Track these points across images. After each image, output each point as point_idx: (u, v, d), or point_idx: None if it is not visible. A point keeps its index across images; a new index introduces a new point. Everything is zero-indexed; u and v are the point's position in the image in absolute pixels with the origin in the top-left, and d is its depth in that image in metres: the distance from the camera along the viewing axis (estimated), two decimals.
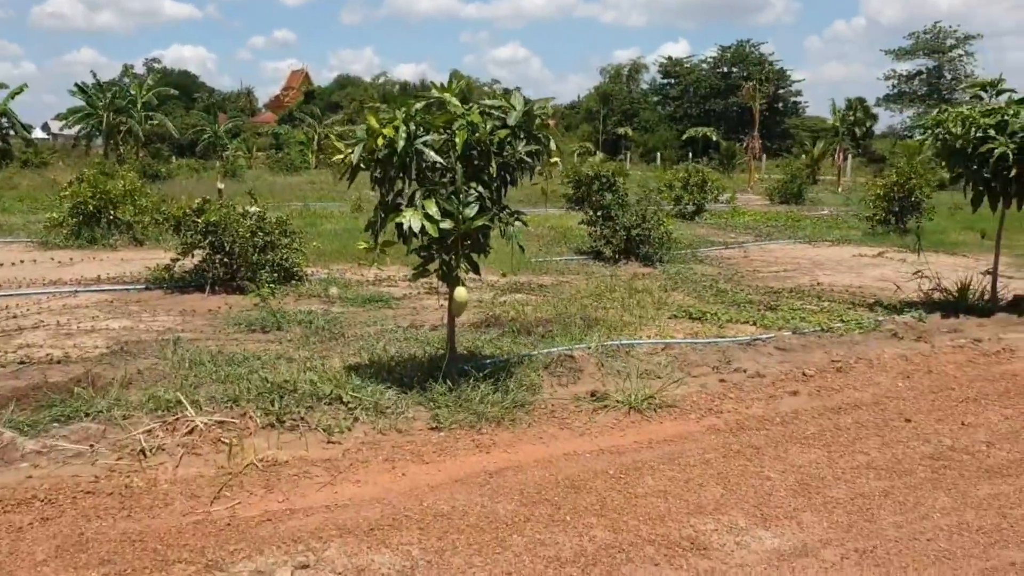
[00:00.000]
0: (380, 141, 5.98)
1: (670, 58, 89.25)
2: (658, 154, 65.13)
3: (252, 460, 5.26)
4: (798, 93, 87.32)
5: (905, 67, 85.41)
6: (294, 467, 5.18)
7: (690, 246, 16.35)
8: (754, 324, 9.51)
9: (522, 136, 6.29)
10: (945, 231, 19.38)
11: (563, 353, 7.56)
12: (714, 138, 58.95)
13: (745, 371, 7.54)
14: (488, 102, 6.37)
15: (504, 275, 11.62)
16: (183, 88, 77.56)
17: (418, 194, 6.10)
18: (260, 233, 11.02)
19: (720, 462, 5.37)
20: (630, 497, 4.78)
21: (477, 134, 6.04)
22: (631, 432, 5.95)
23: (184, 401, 5.93)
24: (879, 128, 70.86)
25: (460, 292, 6.38)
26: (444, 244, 6.26)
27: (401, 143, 5.92)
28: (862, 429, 6.07)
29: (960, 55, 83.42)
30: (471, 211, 6.07)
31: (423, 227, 5.94)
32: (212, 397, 6.19)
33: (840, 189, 40.33)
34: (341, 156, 6.28)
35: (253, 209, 11.43)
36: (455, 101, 6.28)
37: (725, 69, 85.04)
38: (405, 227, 5.96)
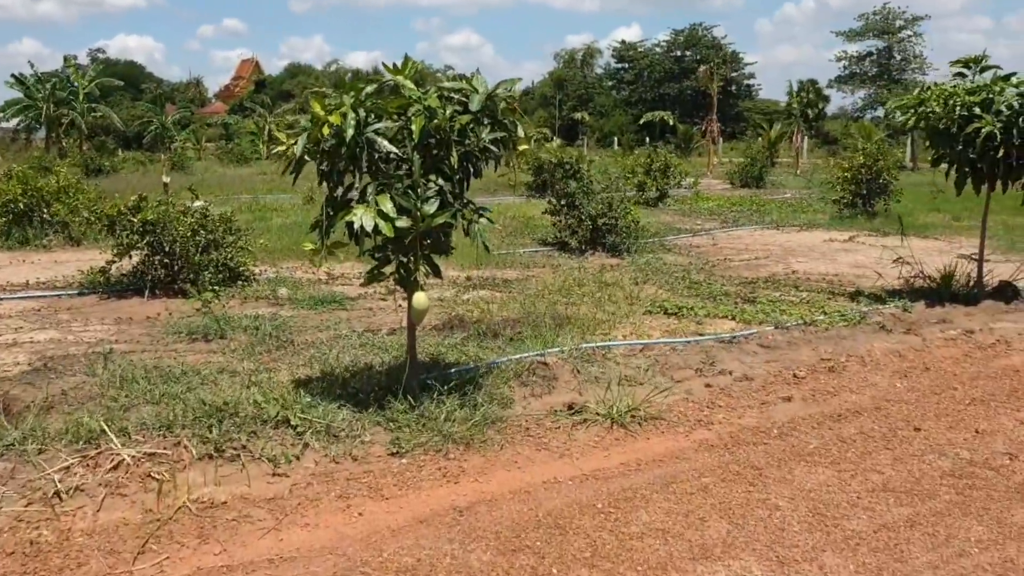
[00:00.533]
0: (326, 130, 5.27)
1: (623, 42, 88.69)
2: (615, 139, 64.58)
3: (185, 501, 4.56)
4: (751, 76, 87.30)
5: (856, 48, 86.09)
6: (233, 509, 4.49)
7: (657, 234, 15.77)
8: (733, 319, 8.94)
9: (486, 122, 5.62)
10: (912, 213, 19.01)
11: (535, 360, 6.91)
12: (671, 122, 58.63)
13: (731, 373, 6.96)
14: (448, 84, 5.68)
15: (468, 278, 10.93)
16: (130, 79, 75.46)
17: (370, 188, 5.40)
18: (202, 231, 10.22)
19: (720, 488, 4.76)
20: (624, 539, 4.15)
21: (436, 120, 5.36)
22: (616, 452, 5.32)
23: (108, 432, 5.20)
24: (830, 109, 71.05)
25: (419, 298, 5.69)
26: (401, 244, 5.56)
27: (350, 132, 5.21)
28: (869, 441, 5.51)
29: (909, 36, 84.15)
30: (431, 207, 5.39)
31: (376, 226, 5.24)
32: (143, 423, 5.44)
33: (798, 171, 40.10)
34: (283, 148, 5.56)
35: (197, 204, 10.63)
36: (410, 84, 5.59)
37: (678, 53, 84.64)
38: (356, 226, 5.26)
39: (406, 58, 5.73)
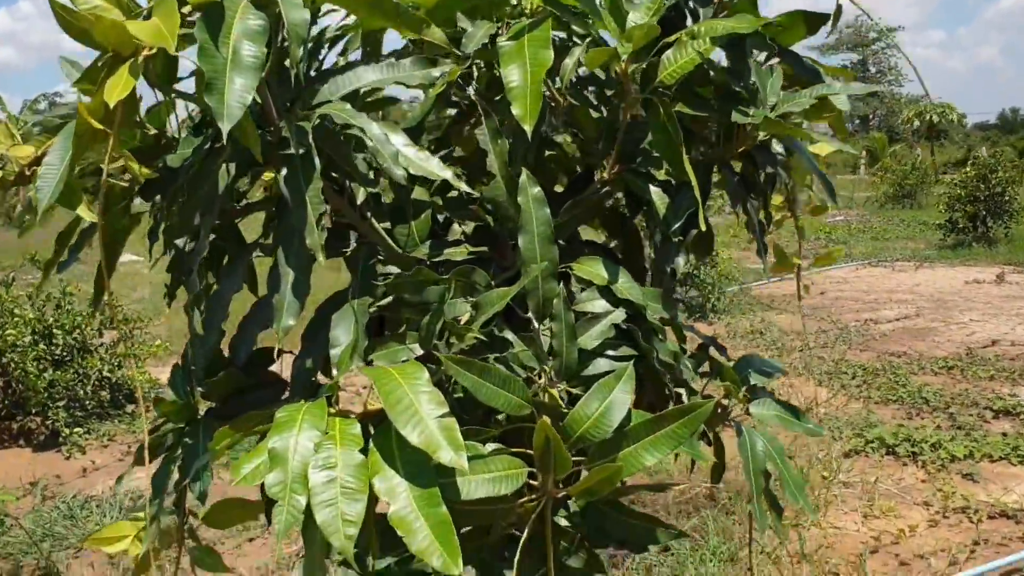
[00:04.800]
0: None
1: None
2: None
3: None
4: None
5: (831, 62, 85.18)
6: None
7: (735, 280, 11.55)
8: (1013, 460, 4.85)
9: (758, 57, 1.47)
10: None
11: None
12: None
13: None
14: None
15: None
16: None
17: (340, 349, 1.24)
18: (58, 333, 5.99)
19: None
20: None
21: (623, 47, 1.21)
22: None
23: None
24: None
25: None
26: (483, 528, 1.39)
27: (234, 100, 1.04)
28: None
29: (883, 47, 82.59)
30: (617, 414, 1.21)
31: (391, 520, 1.08)
32: None
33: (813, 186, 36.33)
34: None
35: (57, 290, 6.33)
36: None
37: None
38: (279, 524, 1.09)
39: None
